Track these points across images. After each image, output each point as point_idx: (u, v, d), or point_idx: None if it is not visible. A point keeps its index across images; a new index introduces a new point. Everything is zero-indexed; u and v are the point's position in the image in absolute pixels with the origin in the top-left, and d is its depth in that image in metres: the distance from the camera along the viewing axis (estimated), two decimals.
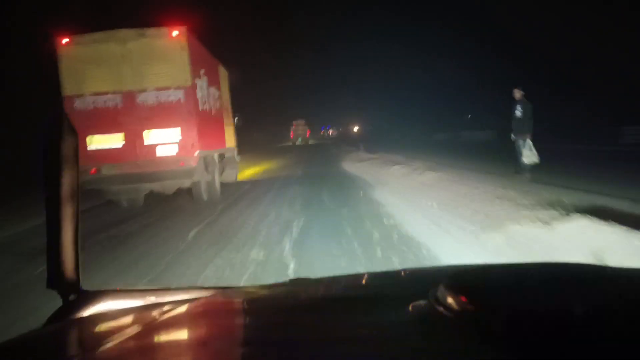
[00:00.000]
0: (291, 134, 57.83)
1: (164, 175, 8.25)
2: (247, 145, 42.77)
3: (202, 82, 9.30)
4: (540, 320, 0.65)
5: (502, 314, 0.67)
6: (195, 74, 8.68)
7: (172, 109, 8.26)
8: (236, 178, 14.02)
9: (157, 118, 8.22)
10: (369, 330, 0.76)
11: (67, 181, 0.94)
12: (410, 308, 0.79)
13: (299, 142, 53.80)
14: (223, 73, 12.58)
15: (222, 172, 12.13)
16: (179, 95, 8.27)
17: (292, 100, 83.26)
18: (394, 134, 55.65)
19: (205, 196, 9.69)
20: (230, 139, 13.10)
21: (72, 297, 1.00)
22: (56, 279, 0.96)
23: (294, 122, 58.64)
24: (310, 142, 56.19)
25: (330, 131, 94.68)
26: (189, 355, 0.76)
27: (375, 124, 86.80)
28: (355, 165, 16.23)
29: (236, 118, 14.97)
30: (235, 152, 14.18)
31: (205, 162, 9.40)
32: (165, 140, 8.25)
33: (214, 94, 10.81)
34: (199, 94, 8.91)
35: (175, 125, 8.25)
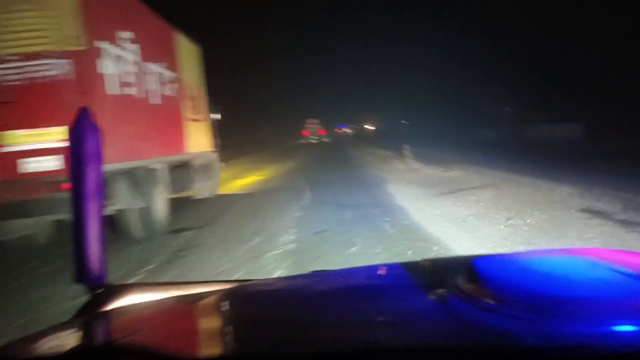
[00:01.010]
0: (306, 133, 56.78)
1: (35, 208, 4.75)
2: (253, 145, 39.50)
3: (121, 50, 5.78)
4: (560, 309, 0.63)
5: (521, 303, 0.66)
6: (98, 33, 5.17)
7: (51, 92, 4.74)
8: (214, 192, 10.47)
9: (24, 108, 4.71)
10: (389, 318, 0.76)
11: (91, 178, 0.96)
12: (430, 297, 0.80)
13: (313, 140, 53.23)
14: (186, 48, 9.06)
15: (184, 186, 8.63)
16: (64, 67, 4.75)
17: (306, 99, 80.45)
18: (418, 131, 50.42)
19: (139, 231, 6.19)
20: (199, 141, 9.59)
21: (98, 290, 1.01)
22: (83, 273, 0.97)
23: (308, 122, 57.93)
24: (324, 139, 55.08)
25: (347, 129, 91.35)
26: (211, 346, 0.78)
27: (393, 121, 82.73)
28: (456, 213, 6.59)
29: (215, 112, 11.45)
30: (215, 158, 10.65)
31: (133, 179, 5.88)
32: (38, 147, 4.73)
33: (160, 75, 7.29)
34: (109, 68, 5.39)
35: (56, 122, 4.71)
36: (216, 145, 11.15)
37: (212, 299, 0.99)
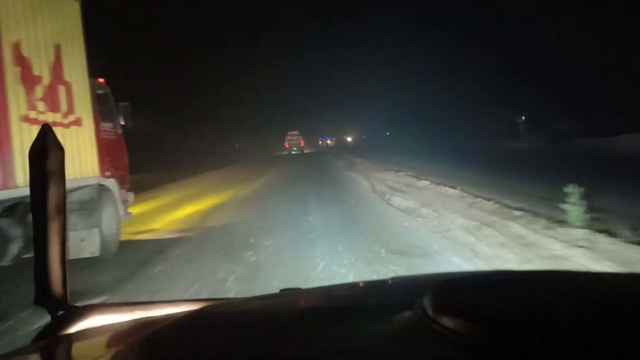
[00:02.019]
0: (286, 144, 56.68)
1: None
2: (221, 159, 31.87)
3: None
4: (531, 332, 0.61)
5: (489, 324, 0.64)
6: None
7: None
8: (111, 244, 6.21)
9: None
10: (356, 343, 0.74)
11: (53, 196, 0.94)
12: (395, 319, 0.77)
13: (294, 151, 53.67)
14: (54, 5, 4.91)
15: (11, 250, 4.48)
16: None
17: (288, 110, 77.22)
18: (407, 142, 44.92)
19: None
20: (79, 162, 5.45)
21: (60, 313, 0.98)
22: (44, 294, 0.95)
23: (289, 133, 57.57)
24: (306, 151, 55.52)
25: (328, 141, 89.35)
26: None
27: (374, 131, 79.21)
28: None
29: (122, 114, 7.35)
30: (109, 189, 6.43)
31: None
32: None
33: None
34: None
35: None
36: (117, 168, 6.95)
37: (177, 320, 0.93)
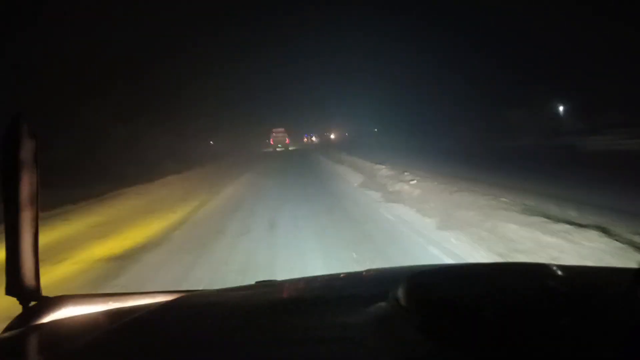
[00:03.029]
0: (271, 141, 56.28)
1: None
2: (183, 159, 25.14)
3: None
4: (499, 322, 0.62)
5: (459, 314, 0.65)
6: None
7: None
8: None
9: None
10: (329, 332, 0.74)
11: (26, 186, 0.91)
12: (370, 310, 0.78)
13: (278, 148, 52.58)
14: None
15: None
16: None
17: (274, 107, 75.55)
18: (407, 138, 38.64)
19: None
20: None
21: (32, 303, 0.96)
22: (16, 285, 0.92)
23: (274, 130, 57.07)
24: (291, 148, 54.73)
25: (313, 138, 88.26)
26: None
27: (360, 127, 78.02)
28: None
29: None
30: None
31: None
32: None
33: None
34: None
35: None
36: None
37: (150, 311, 0.92)
